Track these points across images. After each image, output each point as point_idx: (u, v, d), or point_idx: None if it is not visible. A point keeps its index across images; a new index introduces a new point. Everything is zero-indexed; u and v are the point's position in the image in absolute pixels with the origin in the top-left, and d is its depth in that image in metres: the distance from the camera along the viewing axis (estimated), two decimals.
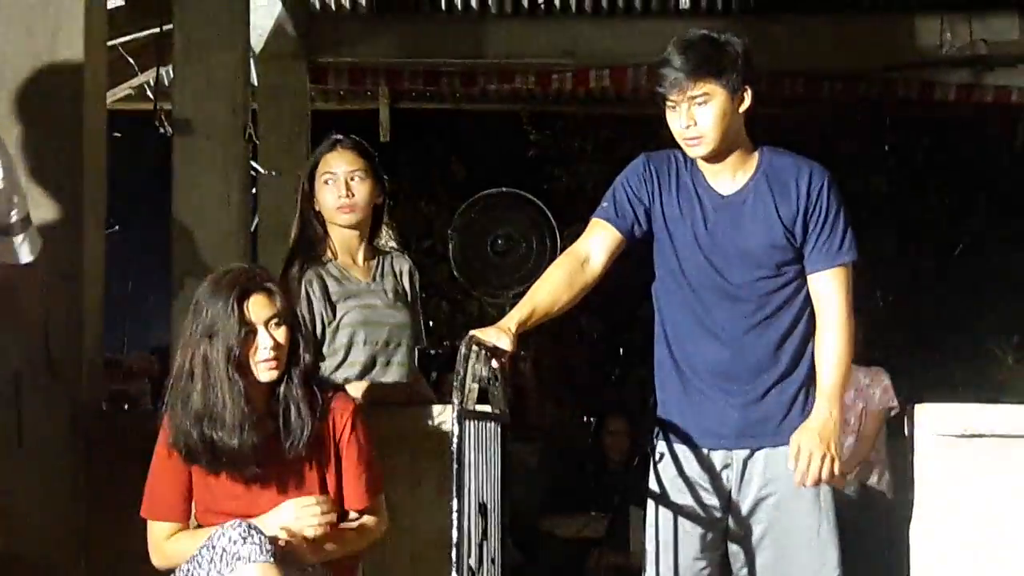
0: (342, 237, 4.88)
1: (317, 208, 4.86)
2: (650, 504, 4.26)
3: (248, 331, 3.96)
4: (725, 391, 4.17)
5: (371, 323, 4.79)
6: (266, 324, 3.99)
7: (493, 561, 3.74)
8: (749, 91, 4.10)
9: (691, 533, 4.20)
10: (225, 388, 3.93)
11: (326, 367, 4.72)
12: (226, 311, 3.94)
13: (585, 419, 11.28)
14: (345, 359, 4.78)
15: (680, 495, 4.20)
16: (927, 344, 12.34)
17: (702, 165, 4.18)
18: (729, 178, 4.17)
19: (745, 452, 4.17)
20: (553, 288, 4.14)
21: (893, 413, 7.57)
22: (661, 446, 4.26)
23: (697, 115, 4.06)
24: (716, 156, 4.13)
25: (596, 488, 8.30)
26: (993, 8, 9.29)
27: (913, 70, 9.85)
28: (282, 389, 4.03)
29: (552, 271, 4.19)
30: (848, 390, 7.43)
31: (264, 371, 4.00)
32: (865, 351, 7.58)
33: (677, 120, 4.09)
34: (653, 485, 4.25)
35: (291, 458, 4.04)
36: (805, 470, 4.00)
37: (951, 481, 4.05)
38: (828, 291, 4.13)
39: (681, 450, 4.21)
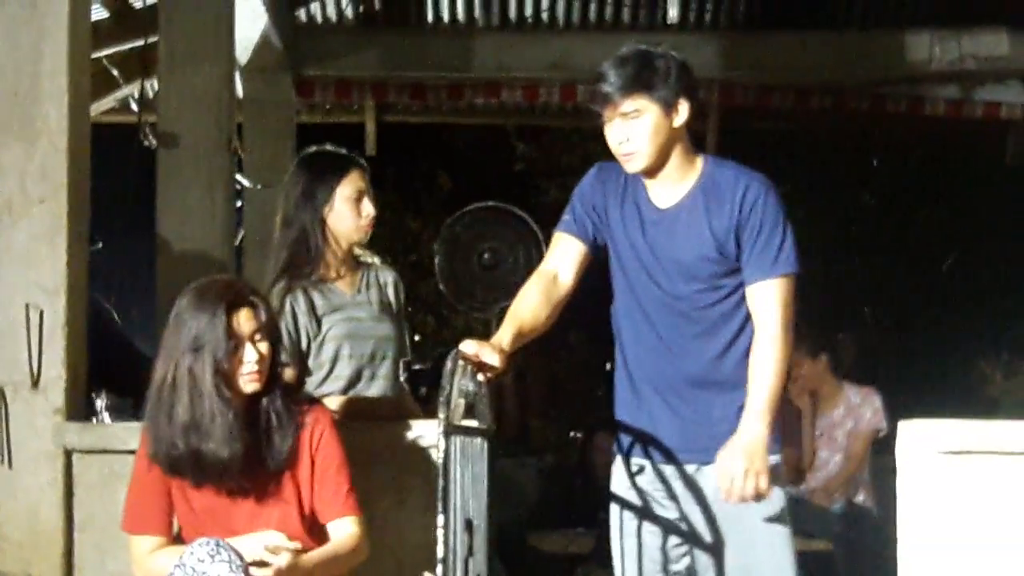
0: (344, 252, 4.84)
1: (324, 221, 4.81)
2: (613, 513, 4.27)
3: (235, 344, 3.96)
4: (671, 405, 4.16)
5: (356, 336, 4.76)
6: (251, 337, 3.99)
7: None
8: (686, 105, 4.08)
9: (652, 543, 4.22)
10: (213, 400, 3.93)
11: (311, 381, 4.70)
12: (212, 324, 3.94)
13: (572, 434, 11.26)
14: (330, 373, 4.75)
15: (639, 504, 4.21)
16: (915, 360, 12.33)
17: (644, 178, 4.17)
18: (669, 191, 4.16)
19: (693, 466, 4.16)
20: (532, 305, 4.14)
21: (881, 435, 7.54)
22: (617, 457, 4.27)
23: (629, 131, 4.06)
24: (654, 170, 4.13)
25: (583, 504, 8.27)
26: (982, 24, 9.31)
27: (902, 85, 9.88)
28: (265, 402, 4.04)
29: (527, 290, 4.19)
30: (838, 407, 7.46)
31: (248, 383, 4.00)
32: (854, 369, 7.56)
33: (612, 136, 4.10)
34: (614, 492, 4.27)
35: (270, 472, 4.03)
36: (729, 488, 3.97)
37: (939, 497, 4.03)
38: (763, 303, 4.08)
39: (635, 461, 4.23)
